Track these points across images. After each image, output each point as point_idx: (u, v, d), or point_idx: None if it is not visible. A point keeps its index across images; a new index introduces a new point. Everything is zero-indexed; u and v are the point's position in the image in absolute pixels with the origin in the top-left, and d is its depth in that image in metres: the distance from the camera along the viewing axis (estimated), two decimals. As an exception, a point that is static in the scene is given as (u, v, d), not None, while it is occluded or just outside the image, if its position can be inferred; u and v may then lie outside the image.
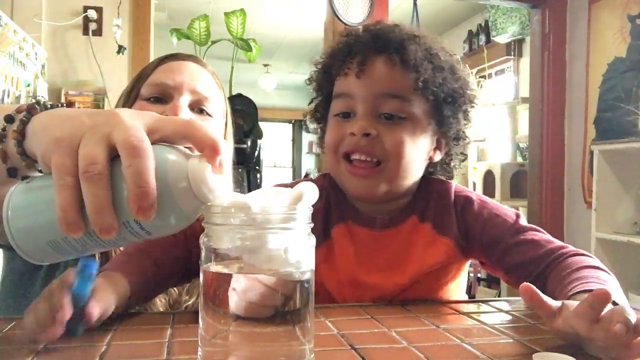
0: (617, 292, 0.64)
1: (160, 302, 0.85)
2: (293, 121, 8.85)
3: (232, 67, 4.09)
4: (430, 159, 0.86)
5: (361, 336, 0.61)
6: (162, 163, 0.42)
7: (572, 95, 3.12)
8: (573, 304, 0.55)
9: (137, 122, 0.43)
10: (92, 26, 2.64)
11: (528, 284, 0.56)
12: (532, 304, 0.57)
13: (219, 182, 0.44)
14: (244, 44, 4.00)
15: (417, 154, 0.82)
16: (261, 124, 3.77)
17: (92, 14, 2.63)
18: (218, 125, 0.95)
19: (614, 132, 2.77)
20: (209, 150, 0.44)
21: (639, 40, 2.67)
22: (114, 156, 0.42)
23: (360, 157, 0.80)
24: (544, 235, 0.81)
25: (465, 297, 0.92)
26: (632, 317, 0.50)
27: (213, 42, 3.94)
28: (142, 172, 0.40)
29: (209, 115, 0.92)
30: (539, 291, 0.56)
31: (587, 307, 0.52)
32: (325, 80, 0.88)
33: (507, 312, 0.74)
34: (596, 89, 2.92)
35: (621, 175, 2.54)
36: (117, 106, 0.94)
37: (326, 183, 0.89)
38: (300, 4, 4.45)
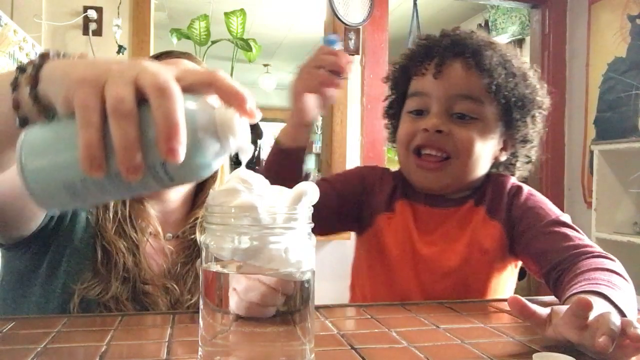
0: (625, 299, 0.64)
1: (162, 302, 0.85)
2: (293, 121, 8.84)
3: (232, 67, 4.08)
4: (496, 158, 0.92)
5: (361, 336, 0.61)
6: (190, 108, 0.42)
7: (572, 95, 3.12)
8: (562, 309, 0.56)
9: (163, 69, 0.43)
10: (92, 26, 2.63)
11: (516, 296, 0.58)
12: (521, 316, 0.58)
13: (244, 131, 0.44)
14: (244, 44, 4.00)
15: (485, 152, 0.87)
16: (261, 124, 3.76)
17: (92, 14, 2.62)
18: None
19: (614, 132, 2.77)
20: (236, 98, 0.44)
21: (639, 40, 2.67)
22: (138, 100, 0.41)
23: (430, 152, 0.86)
24: (577, 234, 0.83)
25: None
26: (616, 324, 0.51)
27: (213, 42, 3.94)
28: (172, 113, 0.40)
29: None
30: (527, 302, 0.57)
31: (572, 315, 0.53)
32: (401, 79, 0.94)
33: (507, 312, 0.74)
34: (596, 89, 2.92)
35: (621, 175, 2.54)
36: None
37: (394, 171, 0.97)
38: (300, 4, 4.45)
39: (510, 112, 0.87)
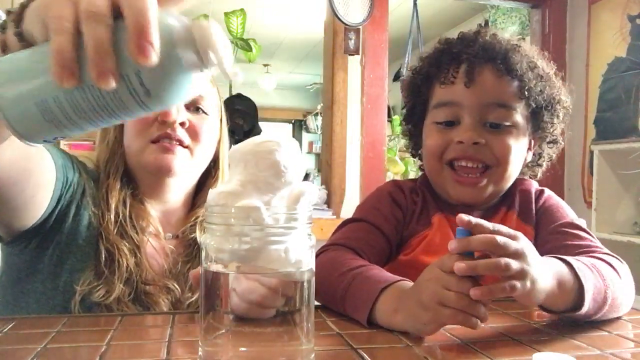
0: (594, 280, 0.66)
1: (163, 303, 0.85)
2: (293, 121, 8.84)
3: (232, 67, 4.08)
4: (525, 159, 0.91)
5: (361, 336, 0.61)
6: (164, 20, 0.41)
7: (572, 95, 3.12)
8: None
9: None
10: (92, 26, 2.63)
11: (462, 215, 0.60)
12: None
13: (224, 46, 0.43)
14: (244, 44, 4.00)
15: (521, 158, 0.88)
16: (261, 124, 3.77)
17: (92, 14, 2.63)
18: (213, 123, 0.95)
19: (614, 132, 2.77)
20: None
21: (639, 40, 2.67)
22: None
23: (467, 164, 0.84)
24: (589, 237, 0.83)
25: None
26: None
27: (213, 42, 3.94)
28: (144, 11, 0.39)
29: (205, 113, 0.92)
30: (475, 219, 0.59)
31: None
32: (424, 86, 0.91)
33: (507, 312, 0.74)
34: (596, 89, 2.92)
35: (621, 175, 2.54)
36: None
37: (417, 183, 0.93)
38: (300, 4, 4.45)
39: (539, 115, 0.87)
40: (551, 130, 0.90)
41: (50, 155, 0.78)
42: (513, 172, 0.87)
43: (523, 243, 0.59)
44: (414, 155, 1.01)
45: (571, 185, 3.11)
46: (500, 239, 0.57)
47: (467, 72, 0.84)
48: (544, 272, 0.60)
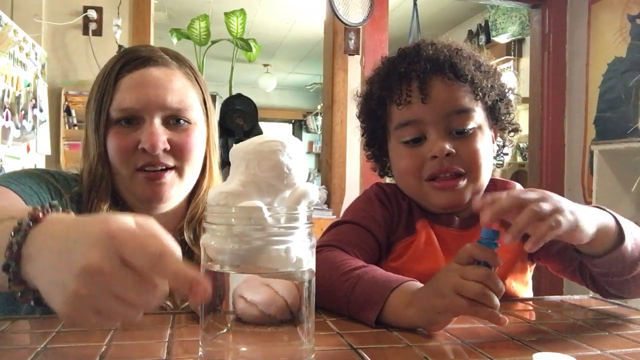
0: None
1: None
2: (293, 121, 8.84)
3: (232, 67, 4.09)
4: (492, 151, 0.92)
5: (361, 336, 0.61)
6: None
7: (572, 95, 3.12)
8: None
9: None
10: (92, 26, 2.63)
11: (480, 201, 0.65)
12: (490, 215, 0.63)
13: None
14: (244, 44, 4.00)
15: (489, 155, 0.88)
16: (261, 124, 3.77)
17: (92, 14, 2.62)
18: (199, 128, 0.91)
19: (614, 132, 2.77)
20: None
21: (639, 41, 2.67)
22: None
23: (445, 175, 0.84)
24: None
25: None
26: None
27: (213, 42, 3.94)
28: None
29: (188, 122, 0.89)
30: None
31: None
32: (379, 109, 0.90)
33: (507, 312, 0.74)
34: (596, 89, 2.92)
35: (621, 175, 2.54)
36: (87, 122, 0.90)
37: (400, 188, 0.94)
38: (300, 4, 4.45)
39: (496, 108, 0.88)
40: (510, 119, 0.91)
41: (21, 200, 0.76)
42: (487, 170, 0.87)
43: (546, 192, 0.63)
44: (382, 177, 1.01)
45: (571, 185, 3.11)
46: (522, 194, 0.61)
47: (420, 88, 0.84)
48: (580, 207, 0.65)
